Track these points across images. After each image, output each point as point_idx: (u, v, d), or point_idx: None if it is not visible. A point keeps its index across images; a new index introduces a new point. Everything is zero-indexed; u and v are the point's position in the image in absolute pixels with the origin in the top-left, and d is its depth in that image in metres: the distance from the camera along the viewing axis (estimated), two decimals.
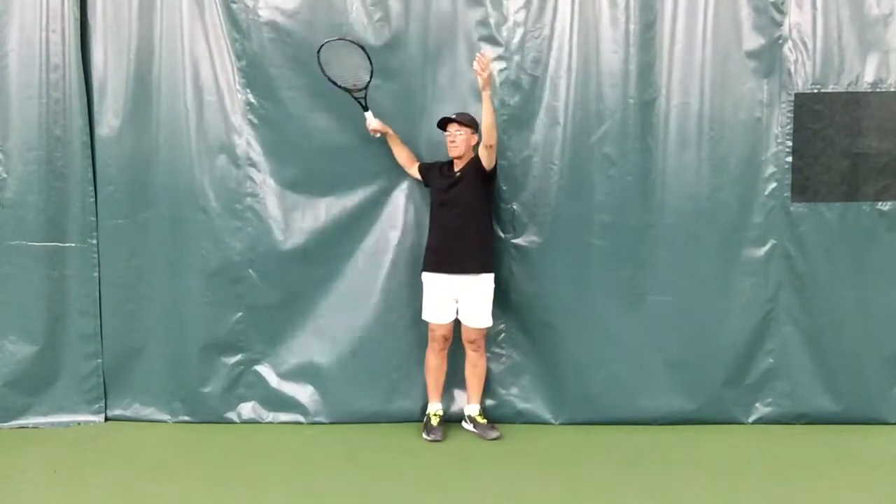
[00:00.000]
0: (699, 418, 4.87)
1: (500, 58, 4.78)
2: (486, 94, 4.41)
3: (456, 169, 4.67)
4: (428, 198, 4.80)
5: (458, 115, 4.64)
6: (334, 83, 4.65)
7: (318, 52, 4.62)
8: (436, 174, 4.73)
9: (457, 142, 4.60)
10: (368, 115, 4.71)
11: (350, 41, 4.64)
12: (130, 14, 4.84)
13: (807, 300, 4.82)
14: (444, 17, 4.81)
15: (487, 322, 4.72)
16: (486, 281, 4.68)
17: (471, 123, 4.64)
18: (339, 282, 4.93)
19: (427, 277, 4.71)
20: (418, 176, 4.80)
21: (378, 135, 4.75)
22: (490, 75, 4.44)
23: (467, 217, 4.61)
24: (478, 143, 4.63)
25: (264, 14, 4.80)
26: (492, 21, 4.79)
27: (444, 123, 4.66)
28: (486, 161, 4.56)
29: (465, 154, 4.65)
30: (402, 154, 4.80)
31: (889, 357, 4.85)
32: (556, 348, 4.90)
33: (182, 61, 4.85)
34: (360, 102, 4.70)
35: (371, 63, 4.61)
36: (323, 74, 4.64)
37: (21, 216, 4.85)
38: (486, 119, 4.44)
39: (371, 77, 4.63)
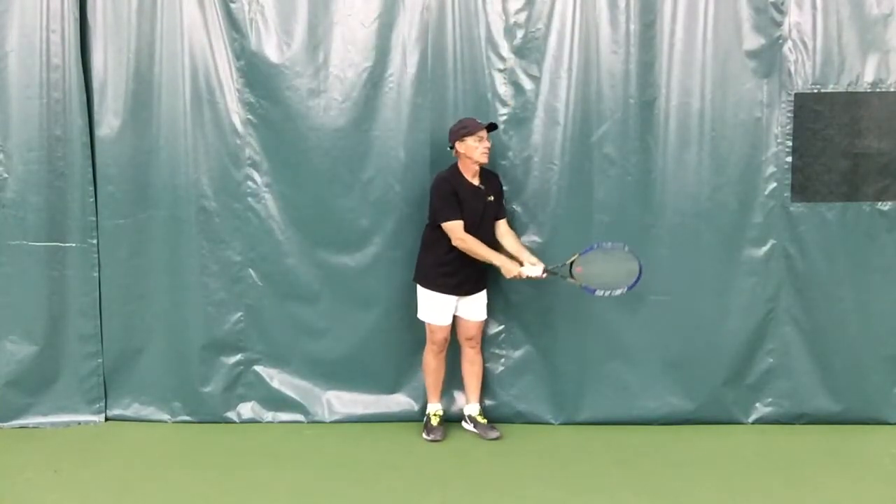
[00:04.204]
0: (699, 418, 4.87)
1: (500, 58, 4.79)
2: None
3: (476, 182, 4.53)
4: (425, 198, 4.67)
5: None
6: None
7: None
8: (460, 197, 4.47)
9: (488, 151, 4.51)
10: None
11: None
12: (130, 14, 4.83)
13: (807, 300, 4.82)
14: (443, 18, 4.80)
15: (485, 314, 4.75)
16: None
17: None
18: (339, 281, 4.92)
19: (433, 294, 4.62)
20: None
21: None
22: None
23: (487, 242, 4.54)
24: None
25: (263, 13, 4.79)
26: (492, 22, 4.78)
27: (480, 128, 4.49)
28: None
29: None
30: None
31: (889, 357, 4.85)
32: (556, 349, 4.90)
33: (182, 61, 4.84)
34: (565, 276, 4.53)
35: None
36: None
37: (21, 216, 4.84)
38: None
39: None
